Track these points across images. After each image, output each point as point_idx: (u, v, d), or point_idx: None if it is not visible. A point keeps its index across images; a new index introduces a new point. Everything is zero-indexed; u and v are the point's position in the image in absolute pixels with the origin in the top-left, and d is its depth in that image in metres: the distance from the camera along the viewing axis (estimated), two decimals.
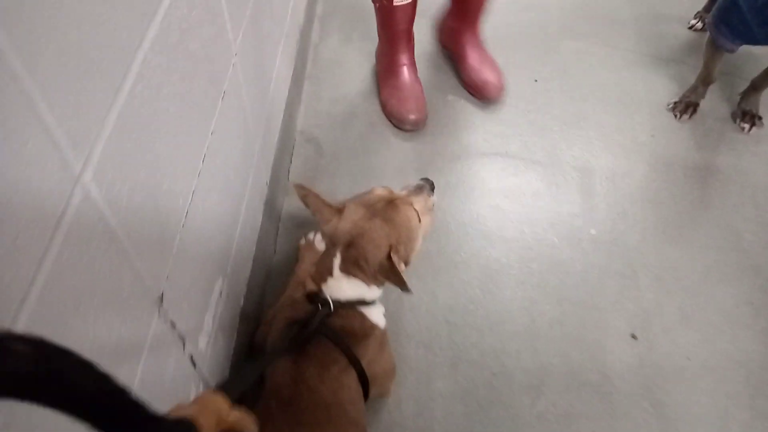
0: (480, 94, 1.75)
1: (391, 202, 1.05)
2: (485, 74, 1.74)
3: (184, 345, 0.85)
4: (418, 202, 1.12)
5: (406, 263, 1.05)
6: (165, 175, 0.71)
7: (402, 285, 0.98)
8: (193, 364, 0.90)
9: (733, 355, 1.29)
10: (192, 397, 0.90)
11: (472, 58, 1.76)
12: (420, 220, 1.08)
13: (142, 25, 0.61)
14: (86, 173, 0.52)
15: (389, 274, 0.99)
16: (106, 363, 0.59)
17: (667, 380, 1.25)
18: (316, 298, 0.98)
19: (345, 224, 1.01)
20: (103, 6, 0.52)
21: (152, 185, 0.67)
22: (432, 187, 1.21)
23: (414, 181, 1.21)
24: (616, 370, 1.25)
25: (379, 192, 1.09)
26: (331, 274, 1.00)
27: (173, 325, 0.80)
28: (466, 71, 1.77)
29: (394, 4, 1.52)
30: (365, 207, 1.03)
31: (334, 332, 0.95)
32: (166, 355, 0.78)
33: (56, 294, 0.48)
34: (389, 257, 0.98)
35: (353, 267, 0.99)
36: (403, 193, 1.15)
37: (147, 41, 0.62)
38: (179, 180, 0.77)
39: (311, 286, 1.01)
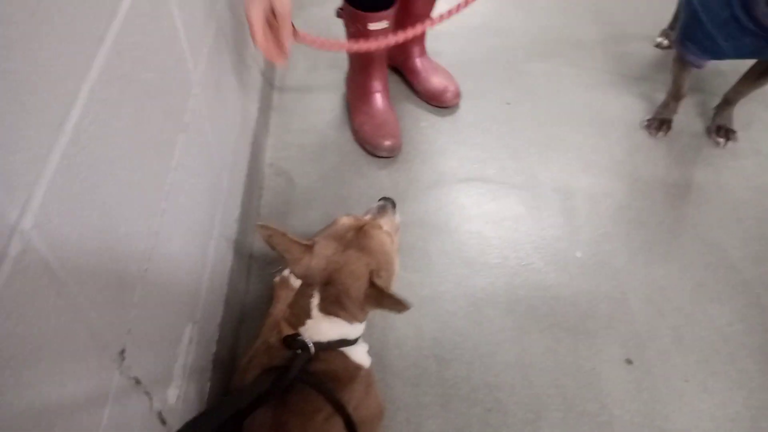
0: (438, 101, 1.77)
1: (360, 230, 0.98)
2: (440, 82, 1.76)
3: (151, 401, 0.77)
4: (386, 224, 1.06)
5: (386, 289, 0.97)
6: (121, 217, 0.64)
7: (399, 305, 0.89)
8: (162, 421, 0.82)
9: (731, 376, 1.25)
10: None
11: (424, 69, 1.78)
12: (393, 241, 1.02)
13: (89, 52, 0.55)
14: (25, 220, 0.45)
15: (380, 300, 0.91)
16: (62, 423, 0.51)
17: (666, 405, 1.19)
18: (293, 342, 0.90)
19: (318, 261, 0.94)
20: (44, 28, 0.46)
21: (107, 229, 0.60)
22: (393, 205, 1.15)
23: (374, 203, 1.15)
24: (614, 398, 1.19)
25: (345, 221, 1.01)
26: (309, 315, 0.92)
27: (137, 381, 0.72)
28: (421, 83, 1.78)
29: (369, 28, 1.46)
30: (336, 240, 0.96)
31: (317, 378, 0.87)
32: (131, 413, 0.70)
33: None
34: (373, 284, 0.91)
35: (334, 306, 0.92)
36: (368, 217, 1.09)
37: (94, 70, 0.56)
38: (139, 221, 0.70)
39: (287, 330, 0.93)
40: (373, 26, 1.46)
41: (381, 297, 0.91)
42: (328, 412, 0.86)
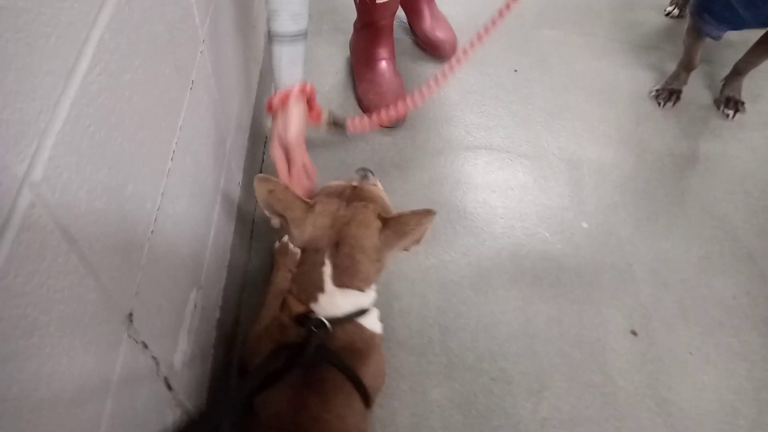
0: (435, 51, 1.78)
1: (355, 187, 0.94)
2: (440, 32, 1.76)
3: (158, 366, 0.76)
4: (375, 185, 1.03)
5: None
6: (129, 176, 0.61)
7: (423, 215, 0.83)
8: (169, 386, 0.81)
9: (735, 348, 1.25)
10: (166, 426, 0.80)
11: (428, 17, 1.77)
12: (389, 199, 0.99)
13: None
14: (34, 172, 0.42)
15: (400, 228, 0.85)
16: (70, 395, 0.50)
17: (670, 377, 1.19)
18: (307, 320, 0.84)
19: (323, 219, 0.87)
20: None
21: (115, 187, 0.57)
22: (372, 174, 1.11)
23: (354, 174, 1.11)
24: (618, 369, 1.19)
25: (336, 182, 0.97)
26: (322, 289, 0.85)
27: (145, 346, 0.70)
28: (422, 30, 1.77)
29: (377, 2, 1.46)
30: (336, 197, 0.90)
31: (335, 356, 0.82)
32: (138, 379, 0.69)
33: (1, 322, 0.39)
34: (386, 222, 0.86)
35: (348, 274, 0.86)
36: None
37: (103, 17, 0.53)
38: (146, 181, 0.67)
39: (296, 306, 0.86)
40: (380, 0, 1.48)
41: (399, 224, 0.85)
42: (348, 388, 0.83)
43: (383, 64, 1.60)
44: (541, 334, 1.22)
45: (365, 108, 1.59)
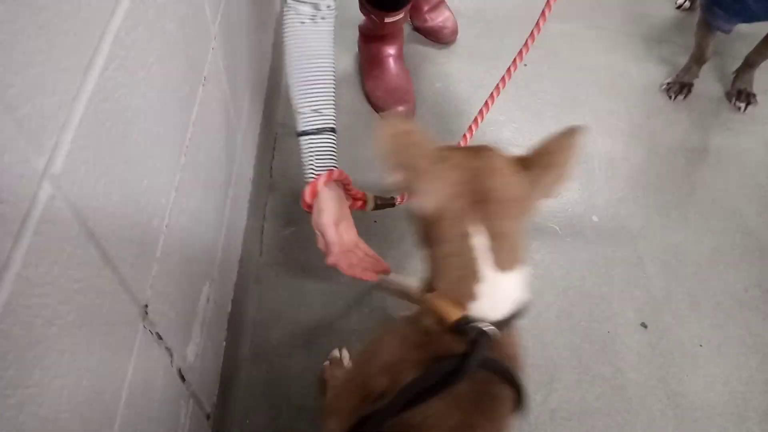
0: (435, 37, 1.78)
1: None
2: (440, 18, 1.76)
3: (172, 358, 0.77)
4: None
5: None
6: (145, 170, 0.62)
7: (574, 132, 0.67)
8: (182, 378, 0.82)
9: (746, 340, 1.25)
10: (180, 417, 0.82)
11: (425, 2, 1.76)
12: None
13: None
14: (54, 166, 0.43)
15: (554, 158, 0.67)
16: (87, 385, 0.51)
17: (681, 369, 1.20)
18: (465, 328, 0.62)
19: (460, 174, 0.65)
20: None
21: (131, 181, 0.58)
22: None
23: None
24: (629, 361, 1.20)
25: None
26: (477, 278, 0.63)
27: (159, 337, 0.71)
28: (421, 16, 1.77)
29: (386, 21, 1.48)
30: (458, 149, 0.72)
31: (503, 368, 0.65)
32: (153, 369, 0.70)
33: (23, 311, 0.40)
34: (524, 159, 0.68)
35: (508, 248, 0.64)
36: None
37: (119, 14, 0.54)
38: (161, 175, 0.68)
39: (454, 313, 0.63)
40: (389, 19, 1.49)
41: (543, 155, 0.68)
42: (511, 401, 0.68)
43: (390, 61, 1.60)
44: (551, 326, 1.23)
45: (374, 105, 1.60)
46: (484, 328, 0.62)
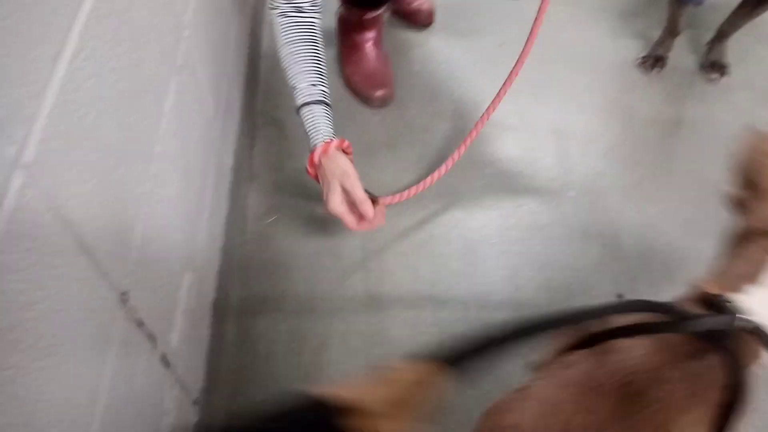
0: (412, 20, 1.78)
1: None
2: (417, 3, 1.75)
3: (155, 343, 0.78)
4: None
5: None
6: (119, 159, 0.64)
7: None
8: (167, 363, 0.84)
9: None
10: (164, 402, 0.83)
11: None
12: None
13: None
14: (26, 155, 0.44)
15: None
16: (66, 368, 0.53)
17: None
18: (721, 302, 0.61)
19: None
20: None
21: (105, 170, 0.60)
22: None
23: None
24: None
25: None
26: (753, 280, 0.63)
27: (141, 323, 0.73)
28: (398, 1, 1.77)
29: (365, 18, 1.51)
30: None
31: (734, 356, 0.59)
32: (135, 354, 0.72)
33: (2, 294, 0.41)
34: None
35: None
36: None
37: (87, 4, 0.55)
38: (136, 164, 0.70)
39: (713, 288, 0.63)
40: (368, 15, 1.51)
41: None
42: (714, 401, 0.59)
43: (368, 46, 1.61)
44: (530, 301, 1.26)
45: (352, 90, 1.60)
46: (740, 309, 0.59)
